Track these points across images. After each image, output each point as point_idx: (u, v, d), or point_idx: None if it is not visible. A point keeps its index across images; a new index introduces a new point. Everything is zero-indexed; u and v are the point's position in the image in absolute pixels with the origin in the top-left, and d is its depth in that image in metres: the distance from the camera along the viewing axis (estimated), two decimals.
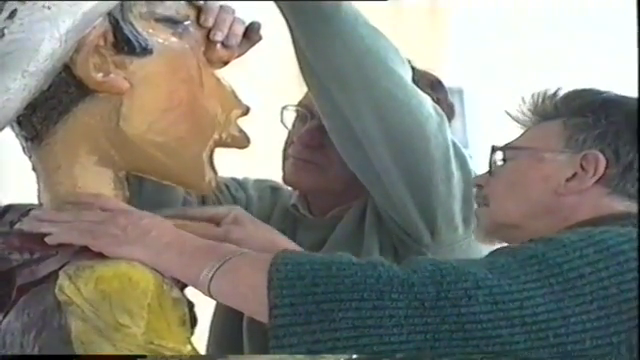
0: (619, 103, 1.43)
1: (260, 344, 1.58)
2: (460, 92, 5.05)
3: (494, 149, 1.49)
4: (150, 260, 1.27)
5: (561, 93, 1.47)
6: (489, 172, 1.49)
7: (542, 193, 1.42)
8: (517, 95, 1.52)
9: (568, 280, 1.23)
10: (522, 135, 1.50)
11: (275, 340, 1.21)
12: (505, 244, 1.44)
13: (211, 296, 1.27)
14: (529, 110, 1.50)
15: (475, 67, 5.27)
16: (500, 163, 1.48)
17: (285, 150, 1.82)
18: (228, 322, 1.79)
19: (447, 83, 1.85)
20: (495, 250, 1.35)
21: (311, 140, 1.76)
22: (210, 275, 1.25)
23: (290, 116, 1.84)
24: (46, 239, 1.29)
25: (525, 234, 1.39)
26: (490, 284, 1.22)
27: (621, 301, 1.23)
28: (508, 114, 1.51)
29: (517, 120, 1.51)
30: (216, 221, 1.47)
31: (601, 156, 1.39)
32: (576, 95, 1.46)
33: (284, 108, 1.83)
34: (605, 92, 1.46)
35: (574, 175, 1.40)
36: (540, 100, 1.48)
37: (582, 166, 1.39)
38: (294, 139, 1.80)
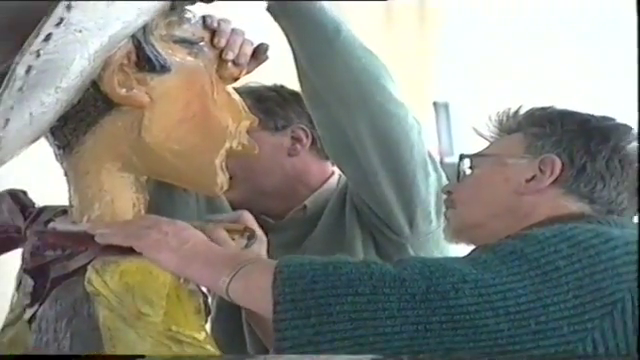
0: (573, 114, 1.52)
1: (260, 341, 1.65)
2: (446, 106, 5.10)
3: (462, 157, 1.56)
4: (181, 269, 1.34)
5: (523, 110, 1.56)
6: (457, 179, 1.56)
7: (504, 193, 1.49)
8: (501, 109, 1.64)
9: (546, 273, 1.30)
10: (487, 147, 1.58)
11: (278, 333, 1.28)
12: (471, 245, 1.51)
13: (229, 298, 1.34)
14: (494, 127, 1.57)
15: (460, 82, 5.30)
16: (468, 171, 1.55)
17: None
18: (230, 322, 1.85)
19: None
20: (475, 249, 1.42)
21: None
22: (228, 280, 1.32)
23: None
24: (96, 239, 1.35)
25: (488, 233, 1.46)
26: (475, 278, 1.28)
27: (594, 290, 1.30)
28: (475, 130, 1.60)
29: (483, 136, 1.59)
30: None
31: (557, 159, 1.47)
32: (535, 110, 1.55)
33: None
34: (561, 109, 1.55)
35: (533, 177, 1.47)
36: (504, 117, 1.56)
37: (540, 168, 1.47)
38: None
